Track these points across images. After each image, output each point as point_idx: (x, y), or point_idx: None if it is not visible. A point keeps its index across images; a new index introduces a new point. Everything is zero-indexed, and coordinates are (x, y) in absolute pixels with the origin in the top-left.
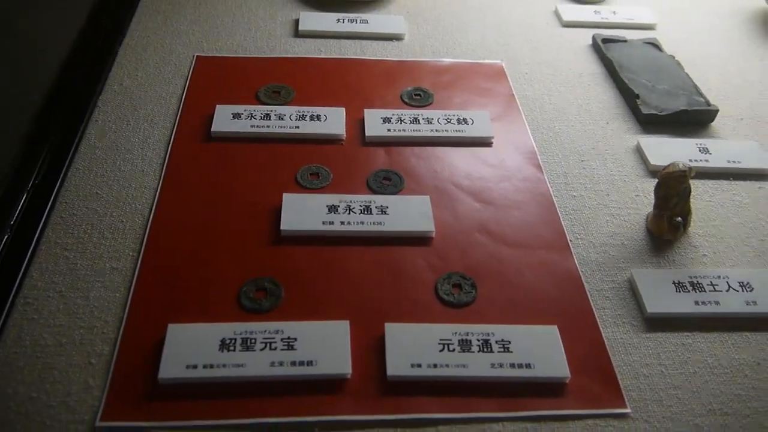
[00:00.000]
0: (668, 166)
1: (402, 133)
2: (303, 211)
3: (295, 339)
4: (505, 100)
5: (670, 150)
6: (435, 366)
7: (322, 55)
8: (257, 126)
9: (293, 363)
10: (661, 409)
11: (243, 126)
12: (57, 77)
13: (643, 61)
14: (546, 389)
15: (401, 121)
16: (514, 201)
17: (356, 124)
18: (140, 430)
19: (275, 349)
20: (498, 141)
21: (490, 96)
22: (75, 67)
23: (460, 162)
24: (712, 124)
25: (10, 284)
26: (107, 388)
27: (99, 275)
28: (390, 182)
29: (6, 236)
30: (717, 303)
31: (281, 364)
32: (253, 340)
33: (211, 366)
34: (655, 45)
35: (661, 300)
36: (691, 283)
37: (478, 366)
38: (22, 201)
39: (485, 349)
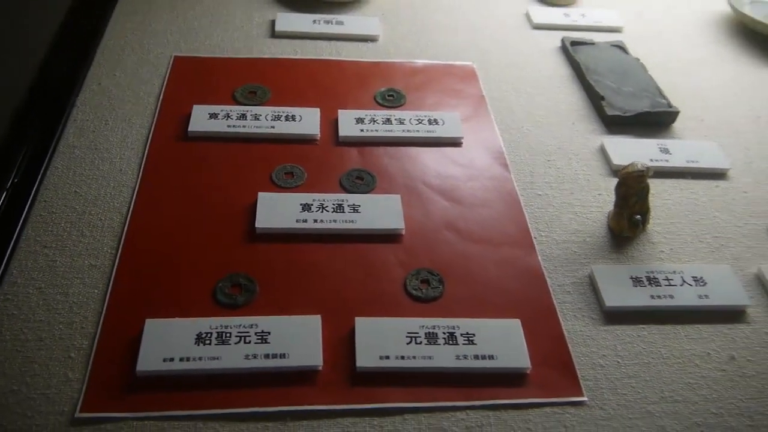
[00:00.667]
0: (627, 166)
1: (375, 134)
2: (277, 210)
3: (269, 333)
4: (475, 101)
5: (633, 150)
6: (402, 358)
7: (298, 56)
8: (233, 126)
9: (267, 356)
10: (615, 397)
11: (220, 126)
12: (36, 77)
13: (610, 64)
14: (508, 379)
15: (374, 121)
16: (481, 199)
17: (330, 124)
18: (118, 420)
19: (249, 342)
20: (468, 141)
21: (461, 97)
22: (53, 67)
23: (430, 161)
24: (674, 124)
25: None
26: (86, 381)
27: (78, 272)
28: (362, 181)
29: None
30: (671, 297)
31: (255, 356)
32: (228, 334)
33: (188, 359)
34: (621, 48)
35: (619, 294)
36: (648, 278)
37: (443, 358)
38: (2, 200)
39: (451, 342)
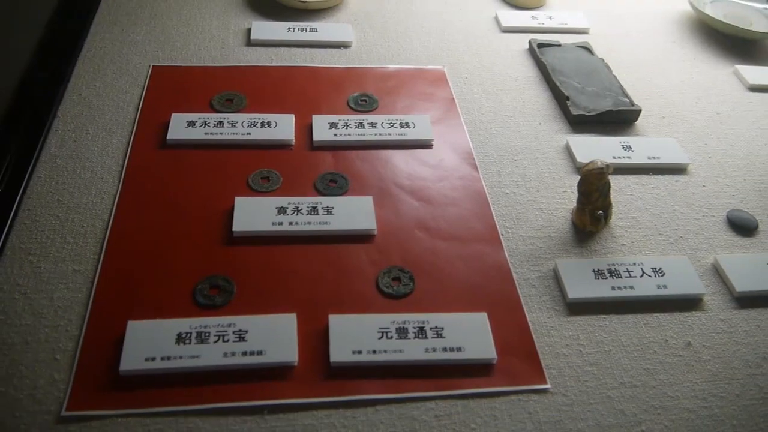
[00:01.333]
0: (588, 163)
1: (348, 138)
2: (254, 213)
3: (246, 331)
4: (445, 104)
5: (596, 148)
6: (374, 352)
7: (274, 63)
8: (211, 133)
9: (244, 353)
10: (577, 384)
11: (197, 133)
12: (17, 88)
13: (575, 65)
14: (475, 370)
15: (347, 126)
16: (450, 198)
17: (305, 129)
18: (103, 417)
19: (228, 341)
20: (438, 143)
21: (432, 100)
22: (34, 78)
23: (402, 163)
24: (636, 122)
25: None
26: (72, 381)
27: (62, 277)
28: (336, 184)
29: None
30: (632, 288)
31: (233, 354)
32: (207, 334)
33: (168, 358)
34: (587, 49)
35: (582, 286)
36: (609, 270)
37: (413, 351)
38: None
39: (420, 336)
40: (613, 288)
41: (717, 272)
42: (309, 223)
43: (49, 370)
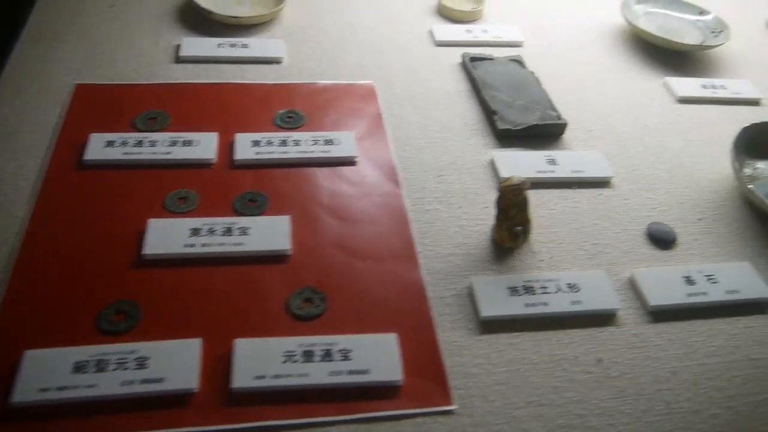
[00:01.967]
0: (506, 179)
1: (270, 156)
2: (166, 235)
3: (148, 358)
4: (372, 120)
5: (521, 162)
6: (278, 377)
7: (202, 80)
8: (130, 153)
9: (144, 381)
10: (484, 404)
11: (115, 153)
12: None
13: (506, 78)
14: (381, 392)
15: (270, 143)
16: (370, 216)
17: (228, 147)
18: None
19: (127, 368)
20: (362, 159)
21: (359, 116)
22: None
23: (324, 181)
24: (564, 136)
25: None
26: None
27: None
28: (255, 204)
29: None
30: (545, 304)
31: (132, 382)
32: (106, 362)
33: (64, 388)
34: (518, 62)
35: (495, 304)
36: (524, 287)
37: (318, 374)
38: None
39: (326, 359)
40: (526, 305)
41: (633, 286)
42: (222, 244)
43: None
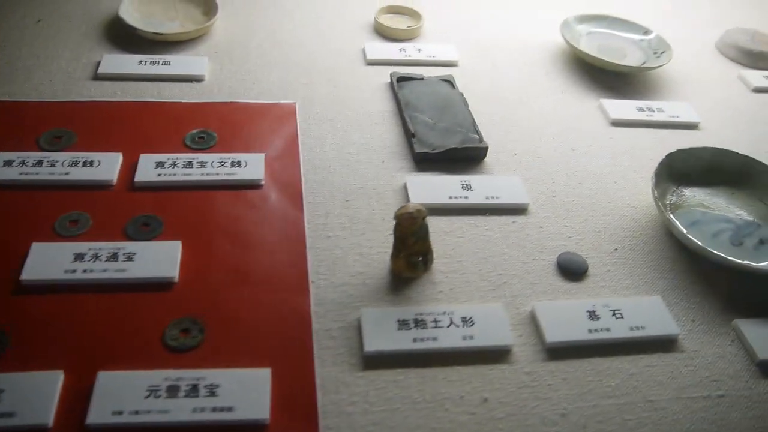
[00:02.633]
0: (401, 207)
1: (173, 178)
2: (48, 260)
3: (2, 391)
4: (287, 141)
5: (435, 187)
6: (137, 413)
7: (117, 98)
8: (27, 173)
9: None
10: None
11: (12, 173)
12: None
13: (433, 99)
14: (245, 431)
15: (175, 165)
16: (268, 243)
17: (132, 169)
18: None
19: None
20: (269, 183)
21: (275, 137)
22: None
23: (225, 205)
24: (487, 159)
25: None
26: None
27: None
28: (148, 228)
29: None
30: (435, 339)
31: None
32: None
33: None
34: (449, 82)
35: (381, 338)
36: (415, 321)
37: (179, 411)
38: None
39: (192, 395)
40: (414, 340)
41: (533, 321)
42: (105, 270)
43: None
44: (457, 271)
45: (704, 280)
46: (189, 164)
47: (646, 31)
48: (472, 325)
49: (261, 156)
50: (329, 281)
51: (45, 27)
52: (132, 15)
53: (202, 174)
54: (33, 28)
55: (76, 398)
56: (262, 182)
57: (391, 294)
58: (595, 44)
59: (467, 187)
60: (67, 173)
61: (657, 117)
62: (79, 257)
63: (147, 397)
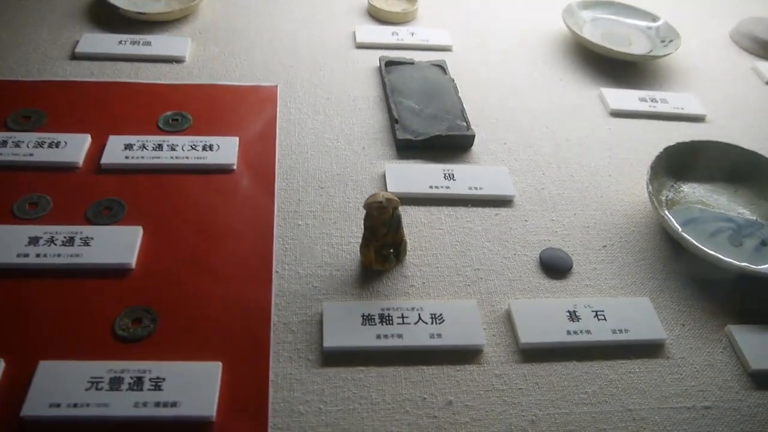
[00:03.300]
0: (370, 196)
1: (140, 161)
2: (2, 243)
3: None
4: (265, 125)
5: (415, 176)
6: (75, 406)
7: (93, 79)
8: None
9: None
10: None
11: None
12: None
13: (421, 84)
14: (189, 428)
15: (144, 147)
16: (234, 231)
17: (99, 151)
18: None
19: None
20: (241, 168)
21: (253, 120)
22: None
23: (193, 190)
24: (475, 148)
25: None
26: None
27: None
28: (110, 212)
29: None
30: (399, 336)
31: None
32: None
33: None
34: (441, 67)
35: (342, 334)
36: (381, 316)
37: (120, 405)
38: None
39: (135, 388)
40: (378, 336)
41: (509, 320)
42: (59, 255)
43: None
44: (432, 265)
45: (698, 282)
46: (159, 147)
47: (654, 18)
48: (442, 322)
49: (235, 140)
50: (294, 271)
51: (27, 5)
52: None
53: (172, 157)
54: (14, 8)
55: (15, 388)
56: (234, 167)
57: (358, 287)
58: (599, 31)
59: (450, 176)
60: (31, 154)
61: (660, 108)
62: (33, 241)
63: (88, 389)
